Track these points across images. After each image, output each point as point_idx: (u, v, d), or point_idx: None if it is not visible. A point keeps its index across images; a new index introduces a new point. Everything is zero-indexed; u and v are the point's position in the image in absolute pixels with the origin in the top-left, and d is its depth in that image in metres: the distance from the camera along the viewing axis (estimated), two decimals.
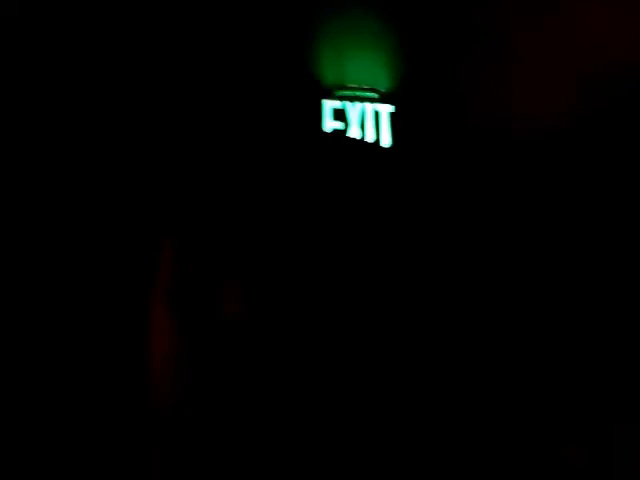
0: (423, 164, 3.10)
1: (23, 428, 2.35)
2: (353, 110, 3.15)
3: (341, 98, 3.16)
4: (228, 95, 3.03)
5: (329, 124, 3.14)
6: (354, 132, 3.14)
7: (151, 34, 2.98)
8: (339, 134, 3.13)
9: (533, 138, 3.00)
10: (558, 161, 3.04)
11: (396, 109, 3.15)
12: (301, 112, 3.14)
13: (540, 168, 3.00)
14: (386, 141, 3.14)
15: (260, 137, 2.86)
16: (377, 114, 3.15)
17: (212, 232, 2.40)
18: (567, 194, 2.98)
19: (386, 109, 3.15)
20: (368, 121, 3.14)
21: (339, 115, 3.15)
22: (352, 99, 3.16)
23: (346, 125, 3.15)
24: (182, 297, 2.26)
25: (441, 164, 3.09)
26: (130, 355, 2.30)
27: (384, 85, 3.17)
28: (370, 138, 3.13)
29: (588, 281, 2.86)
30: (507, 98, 3.04)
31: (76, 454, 2.31)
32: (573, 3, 3.02)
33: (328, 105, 3.15)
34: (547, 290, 2.83)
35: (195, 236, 2.37)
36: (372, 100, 3.16)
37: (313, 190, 2.96)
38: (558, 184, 2.99)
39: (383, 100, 3.16)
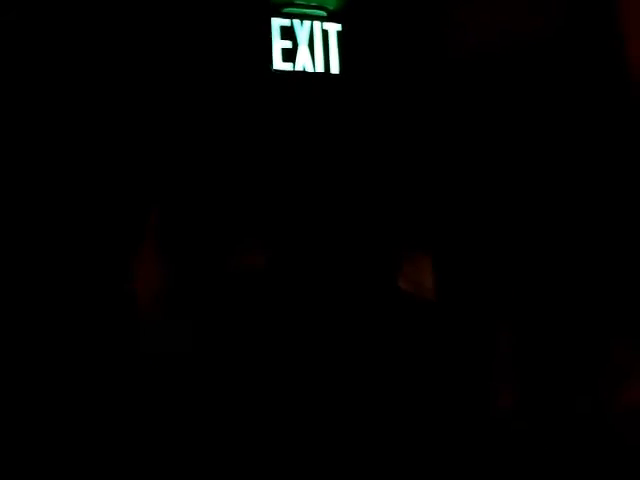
0: (373, 90, 3.12)
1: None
2: (301, 29, 3.13)
3: (289, 16, 3.12)
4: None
5: (278, 43, 3.11)
6: (303, 51, 3.13)
7: None
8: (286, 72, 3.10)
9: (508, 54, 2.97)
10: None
11: (344, 28, 3.16)
12: (250, 31, 3.09)
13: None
14: (334, 62, 3.14)
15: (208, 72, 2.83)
16: (325, 33, 3.14)
17: None
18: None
19: (334, 28, 3.15)
20: (317, 40, 3.13)
21: (288, 34, 3.12)
22: (301, 17, 3.13)
23: (295, 44, 3.12)
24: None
25: (392, 90, 3.12)
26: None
27: (332, 3, 3.16)
28: (318, 58, 3.13)
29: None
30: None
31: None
32: None
33: (276, 23, 3.11)
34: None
35: None
36: (320, 18, 3.14)
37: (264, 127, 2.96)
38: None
39: (331, 19, 3.15)
